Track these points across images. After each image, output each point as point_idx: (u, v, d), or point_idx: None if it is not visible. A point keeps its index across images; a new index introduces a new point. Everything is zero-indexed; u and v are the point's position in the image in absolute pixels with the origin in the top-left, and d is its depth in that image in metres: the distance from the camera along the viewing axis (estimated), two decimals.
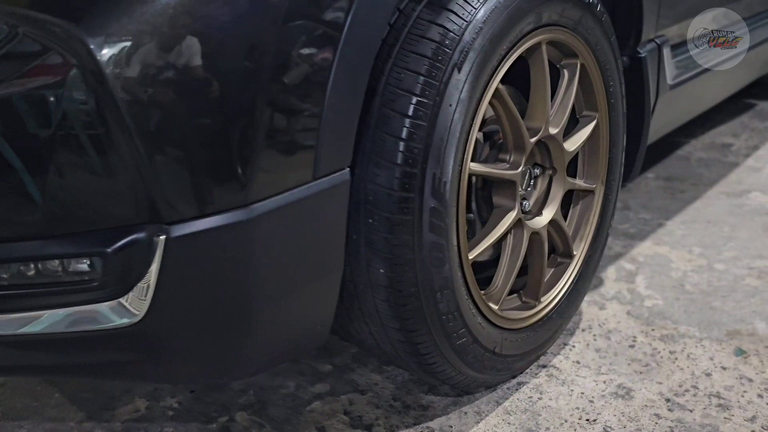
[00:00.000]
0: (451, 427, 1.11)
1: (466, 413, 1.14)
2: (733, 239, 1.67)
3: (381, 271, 0.89)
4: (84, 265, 0.74)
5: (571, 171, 1.28)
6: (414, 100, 0.86)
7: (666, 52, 1.43)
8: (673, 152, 2.34)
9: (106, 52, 0.65)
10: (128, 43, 0.66)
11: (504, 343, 1.09)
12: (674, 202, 1.93)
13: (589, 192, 1.28)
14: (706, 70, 1.63)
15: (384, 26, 0.84)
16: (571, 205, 1.29)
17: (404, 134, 0.86)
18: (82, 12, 0.66)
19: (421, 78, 0.86)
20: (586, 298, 1.44)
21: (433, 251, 0.91)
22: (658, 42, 1.40)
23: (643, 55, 1.34)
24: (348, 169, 0.81)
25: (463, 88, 0.89)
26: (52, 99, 0.67)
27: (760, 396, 1.15)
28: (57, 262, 0.73)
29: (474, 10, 0.90)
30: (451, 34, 0.88)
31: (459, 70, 0.89)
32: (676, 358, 1.23)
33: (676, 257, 1.60)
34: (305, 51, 0.74)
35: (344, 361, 1.29)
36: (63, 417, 1.23)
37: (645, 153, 1.46)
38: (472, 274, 1.01)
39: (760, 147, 2.33)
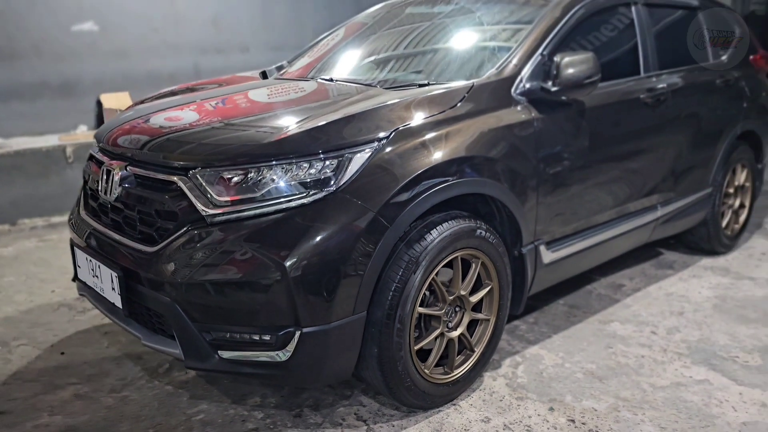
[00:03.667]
0: (403, 427, 2.40)
1: (411, 418, 2.42)
2: (584, 351, 2.91)
3: (375, 350, 2.21)
4: (267, 338, 2.08)
5: (479, 308, 2.59)
6: (394, 285, 2.18)
7: (542, 247, 2.74)
8: (584, 286, 3.59)
9: (291, 269, 1.99)
10: (303, 263, 1.99)
11: (430, 389, 2.38)
12: (566, 322, 3.18)
13: (488, 320, 2.58)
14: (577, 252, 2.93)
15: (388, 250, 2.16)
16: (479, 325, 2.59)
17: (389, 297, 2.18)
18: (284, 252, 2.01)
19: (398, 275, 2.19)
20: (489, 373, 2.72)
21: (396, 345, 2.22)
22: (536, 243, 2.71)
23: (524, 252, 2.65)
24: (365, 312, 2.14)
25: (416, 281, 2.21)
26: (274, 282, 2.01)
27: (554, 427, 2.38)
28: (257, 335, 2.08)
29: (424, 249, 2.23)
30: (412, 258, 2.21)
31: (414, 273, 2.21)
32: (519, 407, 2.49)
33: (547, 357, 2.86)
34: (359, 257, 2.06)
35: (358, 390, 2.60)
36: (222, 400, 2.56)
37: (550, 288, 2.76)
38: (416, 356, 2.31)
39: (641, 290, 3.56)
